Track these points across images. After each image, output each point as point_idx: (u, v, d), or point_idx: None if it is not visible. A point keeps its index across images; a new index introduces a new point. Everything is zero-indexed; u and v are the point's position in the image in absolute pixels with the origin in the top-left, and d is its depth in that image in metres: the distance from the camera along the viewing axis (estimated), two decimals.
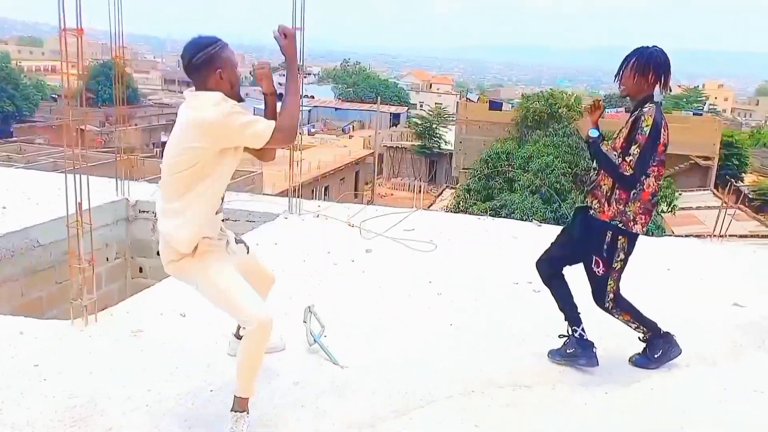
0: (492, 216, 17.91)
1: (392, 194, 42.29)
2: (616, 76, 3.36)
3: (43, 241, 5.75)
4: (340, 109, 59.49)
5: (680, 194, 24.45)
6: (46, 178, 7.69)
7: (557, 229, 6.98)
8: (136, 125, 39.89)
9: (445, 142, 44.12)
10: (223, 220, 3.03)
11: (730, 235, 6.87)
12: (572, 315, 3.58)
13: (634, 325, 3.59)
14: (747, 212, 22.49)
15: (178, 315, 4.05)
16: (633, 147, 3.19)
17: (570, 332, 3.61)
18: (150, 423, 2.91)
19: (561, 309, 3.63)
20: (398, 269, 5.28)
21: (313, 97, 59.30)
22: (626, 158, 3.20)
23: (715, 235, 6.92)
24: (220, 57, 2.69)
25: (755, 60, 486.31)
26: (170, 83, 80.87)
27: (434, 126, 45.30)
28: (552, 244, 3.70)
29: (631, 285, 5.14)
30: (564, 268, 3.62)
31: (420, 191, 37.23)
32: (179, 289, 4.46)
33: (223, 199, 2.94)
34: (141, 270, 6.99)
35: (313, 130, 50.13)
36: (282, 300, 4.37)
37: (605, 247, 3.38)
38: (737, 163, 38.67)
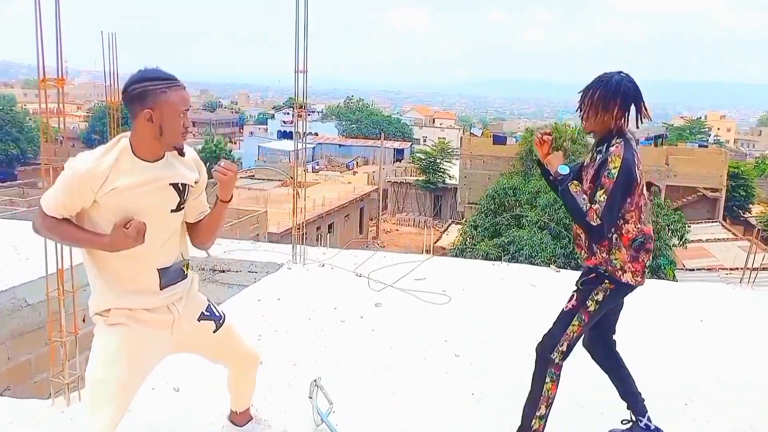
0: (500, 252, 17.63)
1: (397, 230, 42.00)
2: (578, 110, 2.84)
3: (31, 301, 5.40)
4: (344, 145, 59.54)
5: (690, 227, 24.04)
6: None
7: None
8: None
9: (450, 176, 43.97)
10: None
11: (740, 268, 6.39)
12: (637, 405, 3.09)
13: None
14: (759, 245, 22.10)
15: (172, 389, 3.67)
16: (599, 192, 2.66)
17: (634, 419, 3.14)
18: None
19: (623, 397, 3.13)
20: (411, 326, 4.90)
21: (317, 134, 59.42)
22: (593, 206, 2.67)
23: (748, 268, 6.47)
24: (156, 97, 2.28)
25: (750, 92, 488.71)
26: None
27: (438, 161, 45.20)
28: None
29: (665, 338, 4.78)
30: (613, 342, 3.16)
31: (425, 227, 36.94)
32: (173, 358, 4.10)
33: (162, 274, 2.48)
34: None
35: (317, 167, 50.07)
36: (286, 367, 4.01)
37: (585, 278, 2.93)
38: (744, 194, 38.41)
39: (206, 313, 2.71)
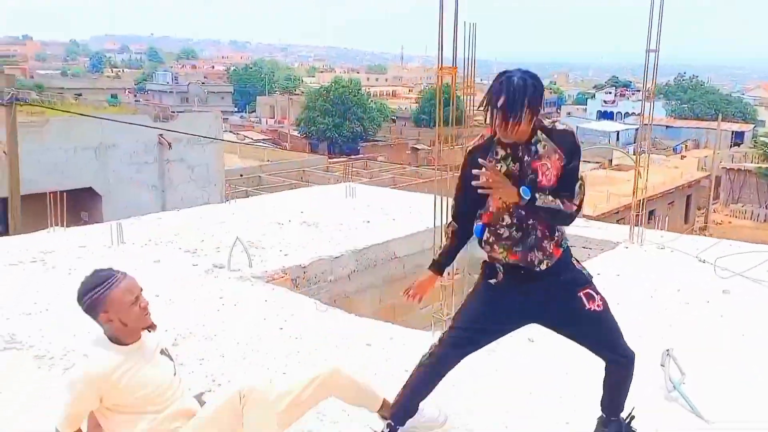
0: None
1: (730, 222, 37.83)
2: (502, 119, 2.46)
3: (399, 254, 6.41)
4: (672, 127, 55.22)
5: None
6: (399, 196, 8.58)
7: None
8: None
9: None
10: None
11: None
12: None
13: None
14: None
15: (527, 340, 4.13)
16: (579, 185, 2.60)
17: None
18: None
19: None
20: (764, 316, 4.66)
21: (641, 114, 56.15)
22: (569, 198, 2.58)
23: None
24: (103, 301, 2.48)
25: None
26: None
27: None
28: None
29: None
30: None
31: (766, 220, 32.58)
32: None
33: None
34: None
35: (640, 150, 47.41)
36: (631, 339, 4.17)
37: (583, 272, 2.85)
38: None
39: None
